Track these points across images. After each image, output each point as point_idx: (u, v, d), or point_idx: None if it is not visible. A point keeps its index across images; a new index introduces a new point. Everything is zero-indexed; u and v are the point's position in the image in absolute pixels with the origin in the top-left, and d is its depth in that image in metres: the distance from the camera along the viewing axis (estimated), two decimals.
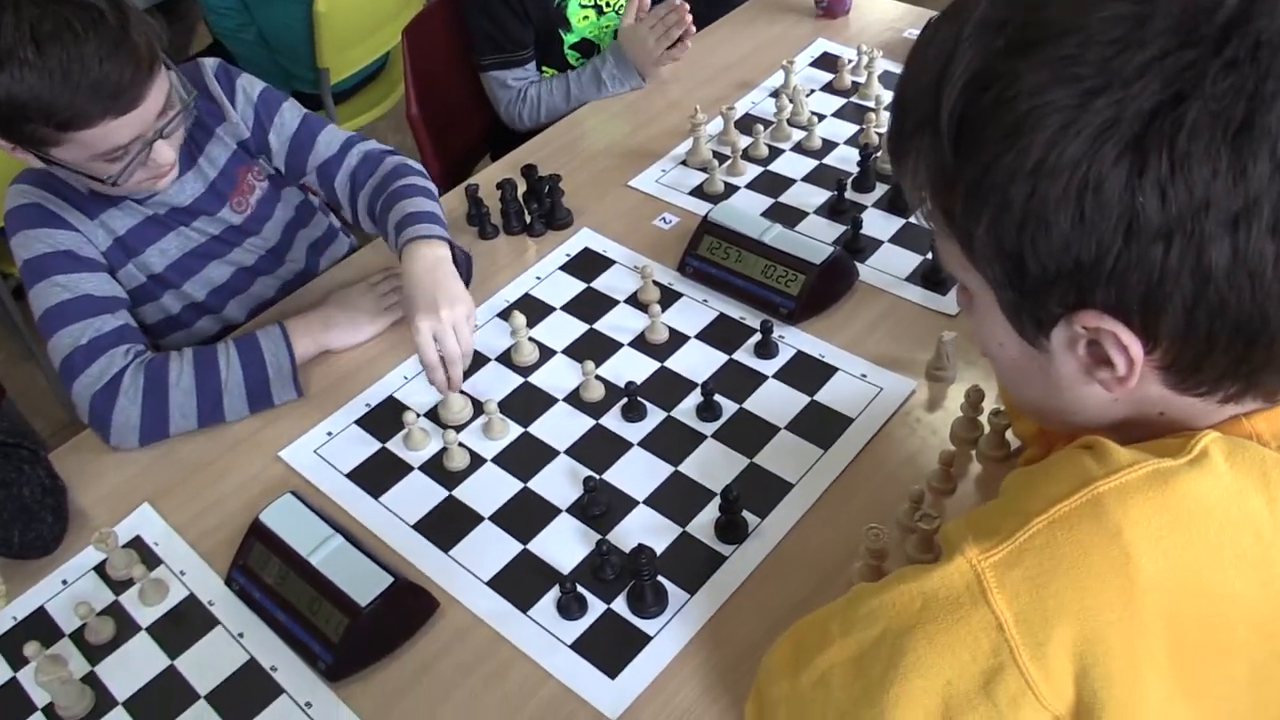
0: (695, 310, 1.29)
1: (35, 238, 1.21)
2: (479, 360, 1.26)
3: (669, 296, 1.31)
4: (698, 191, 1.48)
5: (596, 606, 0.99)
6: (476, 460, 1.14)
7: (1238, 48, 0.54)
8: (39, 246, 1.21)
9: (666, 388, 1.20)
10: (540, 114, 1.76)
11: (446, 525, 1.07)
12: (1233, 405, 0.64)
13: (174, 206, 1.29)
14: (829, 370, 1.19)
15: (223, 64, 1.33)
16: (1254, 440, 0.63)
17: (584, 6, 1.77)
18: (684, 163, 1.53)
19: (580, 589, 0.99)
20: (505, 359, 1.26)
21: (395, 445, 1.16)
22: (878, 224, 1.38)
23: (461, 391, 1.19)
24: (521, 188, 1.47)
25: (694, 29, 1.64)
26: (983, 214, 0.59)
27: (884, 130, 1.51)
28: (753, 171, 1.50)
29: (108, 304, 1.20)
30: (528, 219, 1.44)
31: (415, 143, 1.84)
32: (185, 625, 1.00)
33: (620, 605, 0.99)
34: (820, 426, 1.13)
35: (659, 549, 1.02)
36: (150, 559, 1.06)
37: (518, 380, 1.23)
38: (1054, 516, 0.60)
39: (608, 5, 1.79)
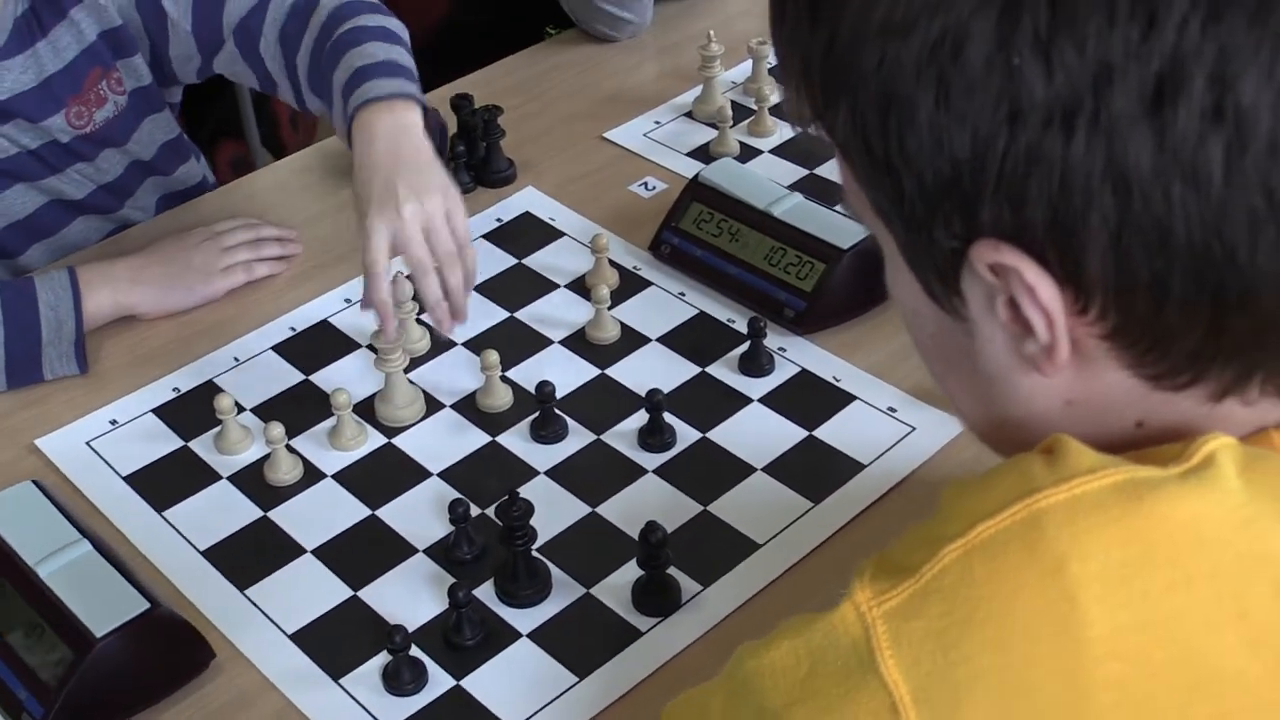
0: (665, 305, 1.33)
1: None
2: (339, 346, 1.30)
3: (632, 284, 1.35)
4: (701, 152, 1.53)
5: (440, 681, 1.00)
6: (312, 474, 1.17)
7: None
8: None
9: (604, 401, 1.23)
10: None
11: (251, 555, 1.11)
12: (1245, 408, 0.63)
13: None
14: (843, 398, 1.21)
15: None
16: None
17: None
18: (689, 114, 1.59)
19: (418, 652, 1.00)
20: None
21: (202, 445, 1.21)
22: None
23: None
24: (451, 128, 1.51)
25: None
26: (840, 95, 0.62)
27: None
28: (784, 133, 1.53)
29: None
30: (451, 167, 1.47)
31: None
32: None
33: (478, 683, 1.00)
34: (814, 471, 1.15)
35: (551, 612, 1.05)
36: None
37: None
38: (972, 542, 0.60)
39: None
